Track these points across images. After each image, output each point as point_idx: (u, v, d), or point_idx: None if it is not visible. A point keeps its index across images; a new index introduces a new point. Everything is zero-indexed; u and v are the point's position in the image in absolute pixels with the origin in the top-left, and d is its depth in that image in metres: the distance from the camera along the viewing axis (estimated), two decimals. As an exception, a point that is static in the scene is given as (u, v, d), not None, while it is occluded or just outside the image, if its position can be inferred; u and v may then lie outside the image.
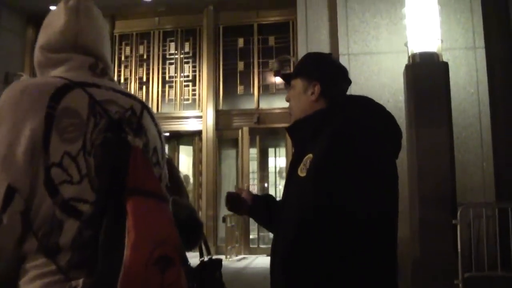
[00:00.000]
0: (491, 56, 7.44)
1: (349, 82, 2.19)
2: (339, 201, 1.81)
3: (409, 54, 6.14)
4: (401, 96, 6.71)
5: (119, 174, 1.34)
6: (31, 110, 1.35)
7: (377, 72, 7.33)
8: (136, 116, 1.55)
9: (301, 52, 8.04)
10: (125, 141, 1.43)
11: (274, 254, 2.09)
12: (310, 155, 1.95)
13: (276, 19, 10.65)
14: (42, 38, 1.63)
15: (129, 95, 1.59)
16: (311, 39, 8.02)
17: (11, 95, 1.39)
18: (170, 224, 1.39)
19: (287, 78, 2.28)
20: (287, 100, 2.24)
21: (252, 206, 2.42)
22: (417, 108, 5.76)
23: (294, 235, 1.87)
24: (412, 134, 5.79)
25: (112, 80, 1.62)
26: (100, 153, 1.38)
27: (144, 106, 1.62)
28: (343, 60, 7.49)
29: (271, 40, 10.62)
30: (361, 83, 7.21)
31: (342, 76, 2.18)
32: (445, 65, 5.99)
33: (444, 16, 6.71)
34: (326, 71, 2.17)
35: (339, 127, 1.94)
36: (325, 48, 7.87)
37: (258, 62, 10.79)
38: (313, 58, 2.28)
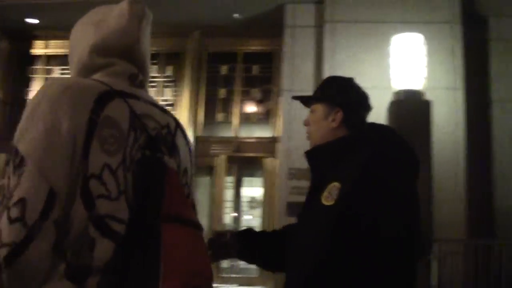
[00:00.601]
0: (470, 97, 7.60)
1: (369, 109, 2.17)
2: (373, 232, 1.83)
3: (394, 91, 6.23)
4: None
5: (154, 196, 1.26)
6: (73, 112, 1.23)
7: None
8: (171, 134, 1.46)
9: (286, 83, 8.13)
10: (162, 161, 1.35)
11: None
12: (336, 184, 1.92)
13: (261, 48, 10.70)
14: (94, 36, 1.46)
15: (165, 111, 1.49)
16: (296, 71, 8.11)
17: (51, 93, 1.27)
18: (205, 254, 1.34)
19: (306, 101, 2.25)
20: (306, 124, 2.19)
21: (241, 249, 2.28)
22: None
23: (328, 259, 1.85)
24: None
25: (148, 92, 1.52)
26: (138, 172, 1.28)
27: (178, 124, 1.52)
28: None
29: (255, 69, 10.65)
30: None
31: (364, 104, 2.16)
32: (429, 103, 6.09)
33: (427, 55, 6.84)
34: (350, 98, 2.14)
35: (370, 158, 1.93)
36: (309, 81, 7.95)
37: (241, 90, 10.81)
38: (337, 83, 2.24)
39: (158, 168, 1.33)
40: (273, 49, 10.24)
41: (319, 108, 2.15)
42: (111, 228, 1.21)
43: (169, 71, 11.17)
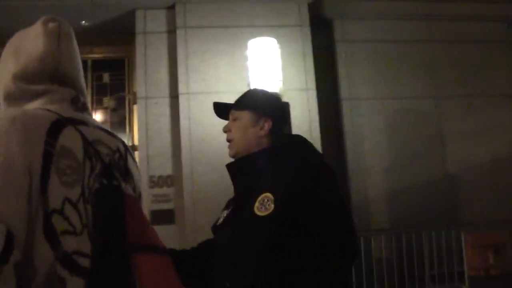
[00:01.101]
0: (322, 97, 7.92)
1: (288, 121, 2.25)
2: (319, 239, 1.86)
3: (252, 94, 6.29)
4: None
5: (117, 227, 1.18)
6: (25, 145, 1.11)
7: (218, 111, 7.42)
8: (123, 159, 1.35)
9: (141, 90, 7.93)
10: (120, 189, 1.24)
11: None
12: (268, 195, 1.94)
13: (112, 55, 10.39)
14: (14, 65, 1.34)
15: (112, 135, 1.38)
16: (150, 77, 7.93)
17: (1, 124, 1.12)
18: (178, 280, 1.27)
19: (225, 108, 2.23)
20: (227, 131, 2.17)
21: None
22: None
23: (274, 269, 1.85)
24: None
25: (91, 115, 1.40)
26: (97, 203, 1.19)
27: (126, 147, 1.42)
28: (183, 100, 7.50)
29: (106, 77, 10.34)
30: (202, 122, 7.25)
31: (288, 117, 2.27)
32: (288, 105, 6.23)
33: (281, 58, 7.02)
34: (278, 110, 2.20)
35: (302, 168, 1.97)
36: (165, 87, 7.84)
37: (93, 99, 10.43)
38: (265, 94, 2.29)
39: (117, 197, 1.23)
40: (124, 56, 10.00)
41: (246, 115, 2.16)
42: (79, 264, 1.11)
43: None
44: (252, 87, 6.27)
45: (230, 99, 7.65)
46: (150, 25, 8.24)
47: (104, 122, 10.36)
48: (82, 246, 1.13)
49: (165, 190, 7.40)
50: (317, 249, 1.86)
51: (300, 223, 1.88)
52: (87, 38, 10.06)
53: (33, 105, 1.31)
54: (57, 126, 1.19)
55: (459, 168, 8.73)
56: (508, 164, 9.08)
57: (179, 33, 7.84)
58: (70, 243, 1.11)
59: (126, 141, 8.15)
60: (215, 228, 2.14)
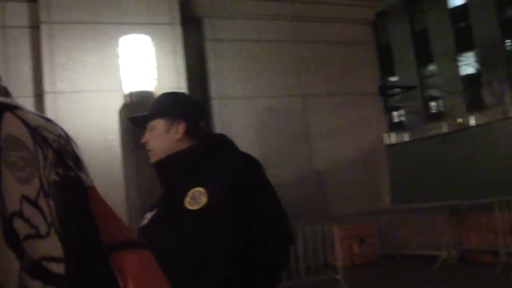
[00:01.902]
0: (193, 96, 7.91)
1: (208, 119, 2.26)
2: (257, 227, 1.95)
3: (125, 93, 6.15)
4: (111, 135, 6.63)
5: (85, 223, 1.01)
6: None
7: (86, 111, 7.17)
8: (69, 145, 1.17)
9: (2, 89, 7.43)
10: (79, 180, 1.08)
11: None
12: (200, 189, 1.99)
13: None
14: None
15: (49, 120, 1.18)
16: (13, 75, 7.47)
17: None
18: (162, 274, 1.19)
19: (140, 121, 2.19)
20: (145, 143, 2.16)
21: None
22: (138, 147, 5.77)
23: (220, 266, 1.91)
24: (133, 172, 5.80)
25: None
26: (59, 197, 1.02)
27: (66, 133, 1.23)
28: (49, 99, 7.17)
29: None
30: (71, 122, 6.97)
31: (203, 115, 2.24)
32: (202, 103, 6.17)
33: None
34: (190, 110, 2.20)
35: (237, 164, 2.05)
36: (28, 86, 7.44)
37: None
38: (174, 97, 2.29)
39: (78, 190, 1.06)
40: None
41: (160, 123, 2.16)
42: (51, 271, 0.95)
43: None
44: (124, 86, 6.13)
45: (101, 98, 7.43)
46: (11, 19, 7.76)
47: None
48: (52, 249, 0.97)
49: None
50: (253, 240, 1.94)
51: (237, 215, 1.94)
52: None
53: None
54: None
55: (327, 164, 9.14)
56: (370, 160, 9.66)
57: (43, 28, 7.46)
58: (35, 249, 0.95)
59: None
60: (140, 230, 2.11)
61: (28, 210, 0.95)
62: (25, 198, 0.95)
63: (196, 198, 1.99)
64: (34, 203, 0.96)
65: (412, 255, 8.48)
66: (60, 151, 1.06)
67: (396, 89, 21.90)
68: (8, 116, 0.96)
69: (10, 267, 0.90)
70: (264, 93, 9.03)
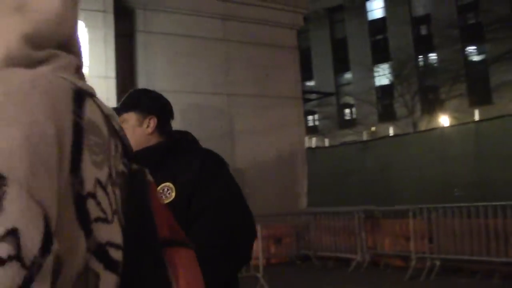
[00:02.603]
0: (121, 85, 7.81)
1: (173, 117, 2.37)
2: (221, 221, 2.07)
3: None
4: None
5: (144, 217, 1.00)
6: (53, 113, 0.87)
7: None
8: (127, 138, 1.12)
9: None
10: (143, 173, 1.05)
11: None
12: (168, 184, 2.09)
13: None
14: (21, 24, 0.97)
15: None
16: None
17: (15, 89, 0.81)
18: (201, 275, 1.17)
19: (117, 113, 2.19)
20: None
21: None
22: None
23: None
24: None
25: None
26: (124, 187, 1.02)
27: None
28: None
29: None
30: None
31: (172, 112, 2.33)
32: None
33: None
34: (162, 106, 2.27)
35: (204, 160, 2.16)
36: None
37: None
38: (148, 94, 2.36)
39: (141, 183, 1.05)
40: None
41: (132, 116, 2.24)
42: (111, 257, 0.94)
43: None
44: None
45: (98, 84, 7.29)
46: None
47: None
48: (114, 236, 0.96)
49: None
50: (220, 234, 2.06)
51: (201, 211, 2.06)
52: None
53: (36, 72, 1.06)
54: (79, 96, 0.97)
55: (248, 163, 9.25)
56: (290, 162, 9.87)
57: None
58: (103, 232, 0.93)
59: None
60: None
61: (100, 193, 0.94)
62: (98, 182, 0.95)
63: (165, 193, 2.09)
64: (104, 189, 0.96)
65: (327, 257, 8.74)
66: (125, 143, 1.06)
67: (314, 94, 22.42)
68: (88, 101, 0.95)
69: (77, 245, 0.88)
70: (190, 88, 9.03)
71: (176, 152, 2.23)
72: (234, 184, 2.21)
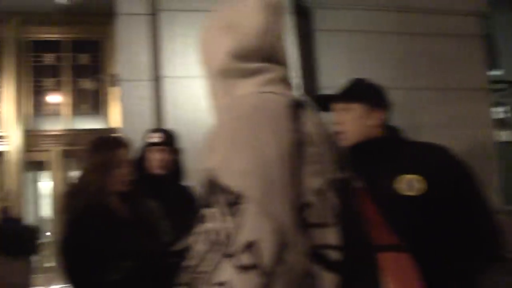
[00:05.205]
0: (303, 86, 8.03)
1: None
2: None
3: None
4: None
5: (354, 220, 1.12)
6: (276, 132, 1.04)
7: (200, 95, 7.45)
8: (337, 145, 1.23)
9: (123, 73, 7.86)
10: (350, 179, 1.18)
11: None
12: (415, 176, 2.02)
13: (88, 36, 10.25)
14: (229, 41, 1.27)
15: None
16: (131, 60, 7.87)
17: (246, 112, 1.07)
18: (417, 277, 1.24)
19: (326, 100, 2.22)
20: (338, 123, 2.19)
21: None
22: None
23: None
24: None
25: None
26: (339, 192, 1.11)
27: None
28: (167, 83, 7.49)
29: (83, 58, 10.20)
30: (186, 106, 7.27)
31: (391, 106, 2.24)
32: None
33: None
34: (387, 100, 2.25)
35: (448, 152, 2.13)
36: (145, 70, 7.80)
37: (69, 80, 10.28)
38: (373, 85, 2.32)
39: (349, 189, 1.17)
40: (101, 37, 9.89)
41: (358, 107, 2.20)
42: (329, 259, 1.05)
43: (-13, 61, 10.29)
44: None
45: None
46: (131, 6, 8.16)
47: (81, 103, 10.25)
48: (332, 238, 1.06)
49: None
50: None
51: (454, 205, 2.02)
52: (63, 18, 9.96)
53: (248, 83, 1.22)
54: (295, 110, 1.11)
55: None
56: (476, 156, 9.39)
57: (162, 15, 7.81)
58: (320, 237, 1.04)
59: (102, 124, 8.08)
60: None
61: (319, 202, 1.05)
62: (317, 190, 1.06)
63: (414, 185, 2.02)
64: (324, 196, 1.07)
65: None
66: (338, 150, 1.16)
67: (502, 84, 21.01)
68: (303, 113, 1.08)
69: (299, 249, 1.01)
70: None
71: (400, 145, 2.17)
72: (476, 179, 2.13)
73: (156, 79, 7.62)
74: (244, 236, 0.95)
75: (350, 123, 2.21)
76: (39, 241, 8.60)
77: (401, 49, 9.38)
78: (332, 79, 8.74)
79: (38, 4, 9.38)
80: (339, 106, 2.23)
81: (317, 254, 1.03)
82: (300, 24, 8.26)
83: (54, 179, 10.49)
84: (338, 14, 8.88)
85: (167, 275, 2.65)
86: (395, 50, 9.33)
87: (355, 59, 8.98)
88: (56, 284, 9.54)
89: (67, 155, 10.33)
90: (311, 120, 1.14)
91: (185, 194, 3.89)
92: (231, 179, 1.00)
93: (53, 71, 10.25)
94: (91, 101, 10.25)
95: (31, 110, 10.32)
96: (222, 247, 0.96)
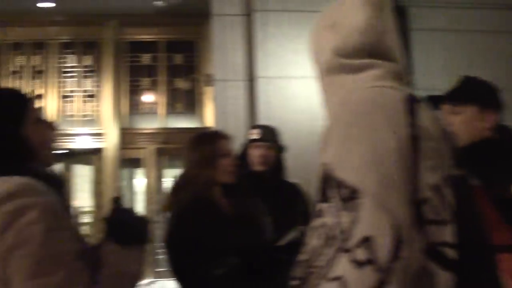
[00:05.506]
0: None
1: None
2: None
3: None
4: (317, 121, 6.79)
5: (471, 218, 1.10)
6: (392, 127, 1.03)
7: (294, 96, 7.45)
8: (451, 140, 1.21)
9: (218, 73, 7.98)
10: (466, 176, 1.16)
11: None
12: None
13: (183, 37, 10.49)
14: (334, 39, 1.30)
15: None
16: (226, 60, 7.98)
17: (359, 107, 1.07)
18: None
19: (436, 101, 2.15)
20: (448, 124, 2.10)
21: None
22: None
23: None
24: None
25: None
26: (455, 189, 1.08)
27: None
28: (261, 83, 7.54)
29: (178, 58, 10.46)
30: (280, 107, 7.30)
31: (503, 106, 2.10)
32: None
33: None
34: (499, 100, 2.15)
35: None
36: (239, 70, 7.88)
37: (165, 80, 10.56)
38: (486, 85, 2.21)
39: (466, 186, 1.15)
40: (196, 38, 10.10)
41: (469, 109, 2.11)
42: (447, 257, 1.02)
43: (87, 60, 10.71)
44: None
45: (307, 84, 7.65)
46: (226, 7, 8.28)
47: (175, 103, 10.52)
48: (449, 236, 1.03)
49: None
50: None
51: None
52: (159, 19, 10.25)
53: (356, 78, 1.22)
54: (411, 105, 1.09)
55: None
56: None
57: (257, 16, 7.87)
58: (437, 233, 1.02)
59: (196, 123, 8.22)
60: None
61: (436, 198, 1.03)
62: (434, 186, 1.03)
63: None
64: (440, 192, 1.04)
65: None
66: (454, 147, 1.13)
67: None
68: (419, 108, 1.05)
69: (415, 247, 0.98)
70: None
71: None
72: None
73: (250, 79, 7.69)
74: (360, 231, 0.94)
75: (460, 125, 2.08)
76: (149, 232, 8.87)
77: (494, 49, 9.00)
78: (428, 79, 8.52)
79: (135, 6, 9.68)
80: (448, 107, 2.10)
81: (433, 252, 1.00)
82: (396, 23, 8.10)
83: (148, 177, 10.79)
84: (434, 12, 8.64)
85: (270, 270, 2.66)
86: (489, 50, 8.96)
87: (449, 58, 8.70)
88: (161, 278, 9.85)
89: (161, 153, 10.60)
90: (427, 115, 1.10)
91: (286, 191, 3.87)
92: (347, 174, 1.00)
93: (149, 71, 10.55)
94: (185, 101, 10.48)
95: (127, 108, 10.66)
96: (337, 241, 0.96)
